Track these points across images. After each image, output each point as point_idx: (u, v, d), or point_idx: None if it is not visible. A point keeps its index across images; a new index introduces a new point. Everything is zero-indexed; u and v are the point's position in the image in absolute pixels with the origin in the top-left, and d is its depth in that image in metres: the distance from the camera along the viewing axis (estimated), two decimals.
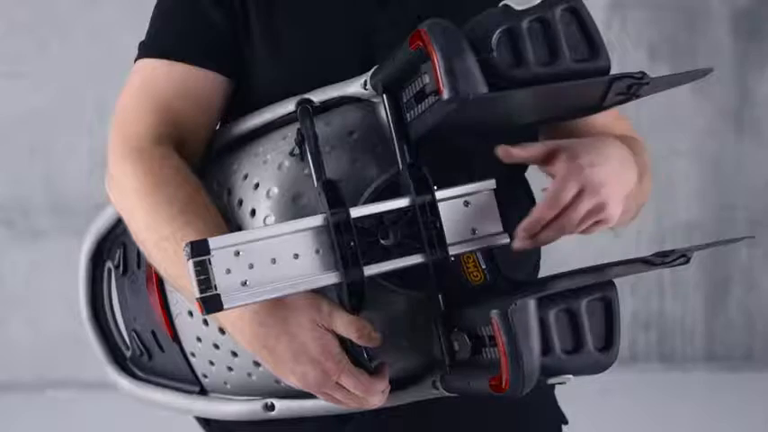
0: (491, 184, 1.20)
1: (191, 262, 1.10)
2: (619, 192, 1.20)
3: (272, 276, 1.12)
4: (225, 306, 1.11)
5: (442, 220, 1.17)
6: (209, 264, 1.10)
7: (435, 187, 1.18)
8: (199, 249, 1.10)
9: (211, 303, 1.10)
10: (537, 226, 1.17)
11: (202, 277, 1.10)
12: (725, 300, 4.27)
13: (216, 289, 1.10)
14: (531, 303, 1.09)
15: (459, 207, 1.19)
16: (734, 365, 4.24)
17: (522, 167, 1.36)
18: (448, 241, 1.17)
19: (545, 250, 1.38)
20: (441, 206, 1.17)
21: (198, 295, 1.10)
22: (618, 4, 4.10)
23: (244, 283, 1.11)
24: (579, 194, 1.17)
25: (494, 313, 1.09)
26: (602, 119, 1.35)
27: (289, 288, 1.13)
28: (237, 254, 1.11)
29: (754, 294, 4.28)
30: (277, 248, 1.13)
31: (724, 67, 4.18)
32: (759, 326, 4.29)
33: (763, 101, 4.23)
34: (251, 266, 1.12)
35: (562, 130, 1.36)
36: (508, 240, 1.19)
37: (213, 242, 1.11)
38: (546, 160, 1.19)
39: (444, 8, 1.22)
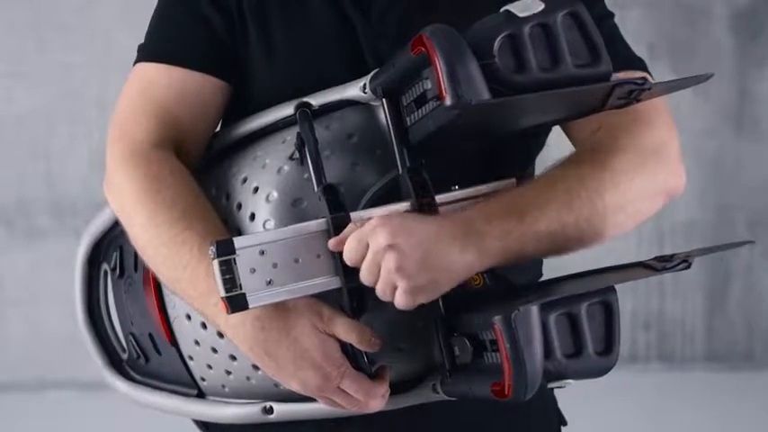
0: (511, 183, 1.21)
1: (216, 261, 1.11)
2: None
3: (296, 276, 1.13)
4: (250, 305, 1.12)
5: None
6: (235, 263, 1.11)
7: (455, 186, 1.19)
8: (224, 249, 1.11)
9: (237, 302, 1.11)
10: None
11: (227, 276, 1.11)
12: (725, 300, 4.28)
13: (241, 288, 1.11)
14: (534, 309, 1.09)
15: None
16: (734, 365, 4.24)
17: (528, 171, 1.36)
18: None
19: None
20: (456, 206, 1.18)
21: (223, 294, 1.11)
22: (618, 4, 4.07)
23: (269, 283, 1.12)
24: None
25: (496, 319, 1.09)
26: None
27: (309, 288, 1.14)
28: (263, 253, 1.12)
29: (754, 294, 4.28)
30: (300, 248, 1.13)
31: (724, 66, 4.17)
32: (759, 326, 4.29)
33: (762, 100, 4.23)
34: (275, 266, 1.12)
35: None
36: None
37: (238, 242, 1.12)
38: None
39: (426, 16, 1.22)
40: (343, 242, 1.13)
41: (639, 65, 1.31)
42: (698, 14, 4.20)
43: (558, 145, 1.38)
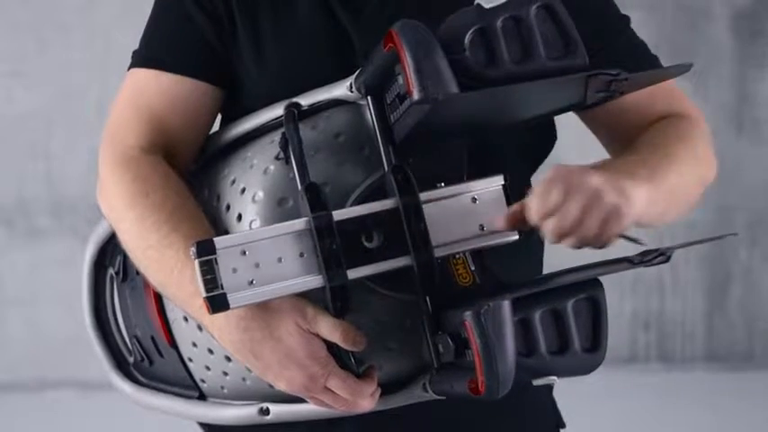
0: (498, 180, 1.21)
1: (197, 262, 1.11)
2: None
3: (279, 275, 1.13)
4: (231, 305, 1.11)
5: (444, 217, 1.17)
6: (216, 263, 1.11)
7: (441, 184, 1.19)
8: (204, 249, 1.11)
9: (218, 303, 1.11)
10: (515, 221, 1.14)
11: (209, 277, 1.11)
12: (725, 300, 4.27)
13: (222, 288, 1.11)
14: (506, 304, 1.08)
15: (467, 203, 1.19)
16: (734, 365, 4.24)
17: (528, 171, 1.36)
18: (444, 240, 1.17)
19: (546, 253, 1.38)
20: (441, 204, 1.18)
21: (204, 294, 1.11)
22: (619, 6, 4.10)
23: (251, 282, 1.12)
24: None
25: (467, 315, 1.09)
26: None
27: (292, 287, 1.13)
28: (244, 253, 1.12)
29: (754, 294, 4.28)
30: (282, 247, 1.13)
31: (724, 67, 4.17)
32: (759, 326, 4.29)
33: (762, 101, 4.23)
34: (257, 265, 1.12)
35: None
36: (516, 237, 1.19)
37: (219, 242, 1.12)
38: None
39: (418, 14, 1.22)
40: (516, 214, 1.12)
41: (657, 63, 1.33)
42: (698, 16, 4.20)
43: (558, 146, 1.38)
